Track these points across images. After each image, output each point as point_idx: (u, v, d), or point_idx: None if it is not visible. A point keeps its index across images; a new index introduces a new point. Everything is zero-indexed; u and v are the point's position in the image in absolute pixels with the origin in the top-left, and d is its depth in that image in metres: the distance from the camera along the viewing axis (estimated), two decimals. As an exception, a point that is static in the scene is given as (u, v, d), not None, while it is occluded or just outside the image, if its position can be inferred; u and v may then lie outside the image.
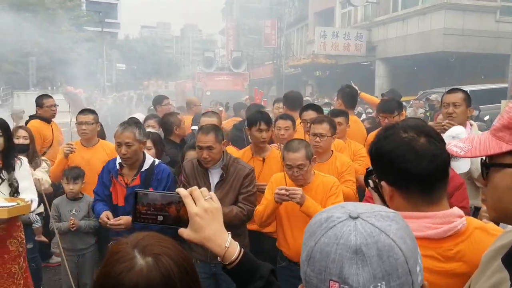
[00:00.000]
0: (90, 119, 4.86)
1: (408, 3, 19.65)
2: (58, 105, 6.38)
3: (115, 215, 3.69)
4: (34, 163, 4.70)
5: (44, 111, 6.11)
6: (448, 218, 1.50)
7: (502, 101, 11.09)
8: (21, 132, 4.85)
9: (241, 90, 22.05)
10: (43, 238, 4.93)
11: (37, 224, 4.82)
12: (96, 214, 3.93)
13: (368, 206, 1.01)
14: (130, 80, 46.24)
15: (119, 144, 3.66)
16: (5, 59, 24.83)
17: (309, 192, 3.26)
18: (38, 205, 4.76)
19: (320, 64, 24.82)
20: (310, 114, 4.70)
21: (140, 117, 7.39)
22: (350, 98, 5.76)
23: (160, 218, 1.28)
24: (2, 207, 3.54)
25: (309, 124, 4.33)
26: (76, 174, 4.52)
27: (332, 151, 4.06)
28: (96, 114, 5.12)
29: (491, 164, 1.19)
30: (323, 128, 3.94)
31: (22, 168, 3.95)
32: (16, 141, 4.60)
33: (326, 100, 14.50)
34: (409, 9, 19.13)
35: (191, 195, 1.28)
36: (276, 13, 34.25)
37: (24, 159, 4.07)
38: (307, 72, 27.85)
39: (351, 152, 4.72)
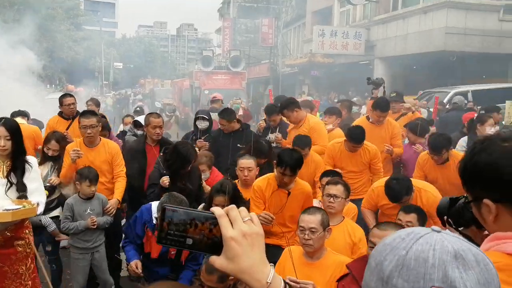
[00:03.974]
0: (94, 122, 4.99)
1: (408, 1, 19.57)
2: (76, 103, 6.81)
3: (147, 264, 3.79)
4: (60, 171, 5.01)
5: (64, 108, 6.65)
6: None
7: (507, 101, 11.05)
8: (53, 145, 5.12)
9: (239, 88, 21.96)
10: (63, 237, 4.99)
11: (51, 227, 4.88)
12: (127, 258, 3.97)
13: None
14: (127, 78, 46.11)
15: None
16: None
17: (321, 270, 3.21)
18: (57, 208, 4.87)
19: (318, 63, 24.73)
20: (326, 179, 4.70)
21: (142, 119, 7.33)
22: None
23: (189, 241, 1.08)
24: (7, 210, 3.50)
25: (324, 186, 4.41)
26: (95, 175, 4.66)
27: (343, 217, 4.04)
28: (97, 114, 5.41)
29: None
30: (338, 189, 4.00)
31: (33, 170, 3.92)
32: (47, 151, 5.09)
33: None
34: (410, 7, 19.05)
35: (227, 214, 1.09)
36: (273, 12, 34.17)
37: (34, 161, 4.03)
38: (304, 72, 27.80)
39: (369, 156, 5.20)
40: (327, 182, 4.21)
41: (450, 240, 0.91)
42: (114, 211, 4.87)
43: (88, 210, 4.62)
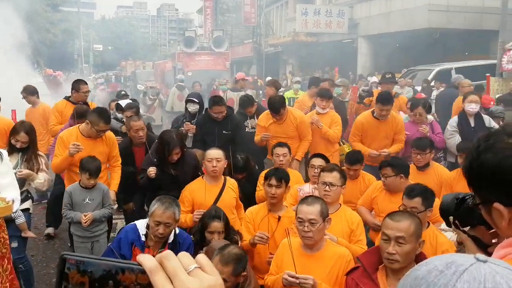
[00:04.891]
0: (109, 128, 5.07)
1: (391, -21, 19.46)
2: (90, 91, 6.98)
3: None
4: (31, 164, 4.62)
5: (79, 95, 6.60)
6: None
7: (492, 78, 11.13)
8: (22, 137, 4.68)
9: (223, 69, 21.71)
10: (30, 234, 4.60)
11: (20, 220, 4.42)
12: None
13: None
14: (108, 61, 45.31)
15: (157, 223, 3.45)
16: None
17: (321, 262, 3.11)
18: (26, 201, 4.61)
19: (301, 43, 24.57)
20: (318, 161, 4.63)
21: (125, 103, 7.19)
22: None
23: None
24: (-21, 210, 3.19)
25: (316, 171, 4.31)
26: (97, 168, 4.53)
27: (340, 204, 3.93)
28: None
29: None
30: (334, 177, 3.84)
31: (3, 163, 3.66)
32: (15, 143, 4.64)
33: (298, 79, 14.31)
34: (392, -15, 18.96)
35: (162, 266, 0.72)
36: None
37: (5, 153, 3.75)
38: (287, 51, 27.60)
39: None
40: (322, 169, 4.05)
41: (503, 274, 0.76)
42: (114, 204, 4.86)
43: (87, 200, 4.52)
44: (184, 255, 0.75)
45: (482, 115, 6.39)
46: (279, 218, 3.89)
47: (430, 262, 0.84)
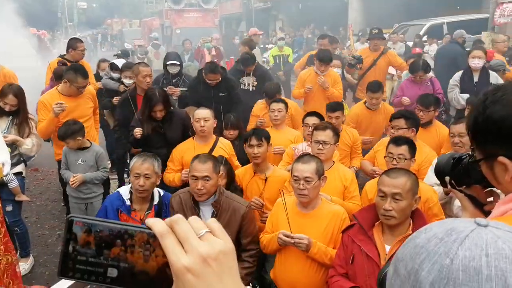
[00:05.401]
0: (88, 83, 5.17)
1: None
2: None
3: None
4: (22, 128, 4.56)
5: (77, 53, 6.58)
6: None
7: (483, 32, 11.02)
8: (10, 100, 4.53)
9: (212, 26, 21.30)
10: (24, 197, 4.61)
11: (13, 184, 4.43)
12: None
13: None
14: (93, 19, 44.15)
15: (137, 176, 3.46)
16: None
17: (315, 220, 3.11)
18: (19, 164, 4.56)
19: (291, -3, 24.06)
20: (313, 120, 4.57)
21: (120, 62, 7.03)
22: None
23: (112, 272, 0.70)
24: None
25: (310, 129, 4.24)
26: (74, 131, 4.47)
27: (333, 161, 3.90)
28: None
29: None
30: (327, 135, 3.81)
31: None
32: (3, 106, 4.52)
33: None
34: None
35: (172, 230, 0.71)
36: None
37: None
38: (277, 6, 27.03)
39: (350, 139, 5.01)
40: (315, 128, 4.00)
41: (505, 238, 0.73)
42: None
43: (80, 161, 4.53)
44: (195, 220, 0.73)
45: (490, 72, 6.33)
46: (266, 179, 3.90)
47: (429, 229, 0.81)
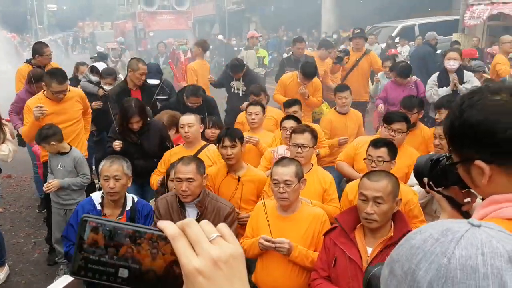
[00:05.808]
0: (66, 87, 4.90)
1: None
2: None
3: None
4: None
5: (44, 58, 6.39)
6: None
7: (454, 34, 11.27)
8: None
9: (185, 29, 21.20)
10: None
11: None
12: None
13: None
14: (63, 21, 43.37)
15: (106, 178, 3.41)
16: None
17: (296, 224, 3.11)
18: None
19: (265, -1, 24.15)
20: (290, 123, 4.53)
21: (101, 66, 6.90)
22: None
23: (122, 272, 0.72)
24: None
25: (288, 132, 4.21)
26: (50, 136, 4.37)
27: (312, 164, 3.90)
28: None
29: None
30: (305, 138, 3.82)
31: None
32: None
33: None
34: None
35: (184, 233, 0.72)
36: None
37: None
38: (250, 9, 27.08)
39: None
40: (292, 131, 3.98)
41: (498, 238, 0.76)
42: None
43: (59, 166, 4.47)
44: (206, 223, 0.75)
45: (465, 72, 6.42)
46: (239, 178, 3.89)
47: (424, 231, 0.83)
